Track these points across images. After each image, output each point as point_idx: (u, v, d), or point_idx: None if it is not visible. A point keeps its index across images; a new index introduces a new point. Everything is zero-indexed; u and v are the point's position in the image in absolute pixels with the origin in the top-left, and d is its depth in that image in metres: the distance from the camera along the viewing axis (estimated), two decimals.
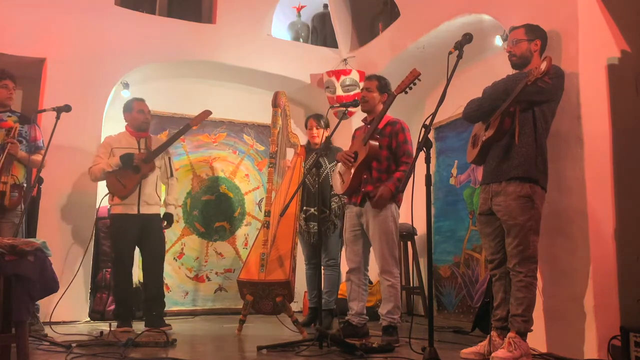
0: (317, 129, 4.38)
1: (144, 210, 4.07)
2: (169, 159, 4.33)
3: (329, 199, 4.23)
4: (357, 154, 3.51)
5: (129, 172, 4.04)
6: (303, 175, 4.23)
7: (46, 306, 3.99)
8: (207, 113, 4.33)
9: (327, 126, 4.43)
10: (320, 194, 3.96)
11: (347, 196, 3.68)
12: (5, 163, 3.57)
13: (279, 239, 3.93)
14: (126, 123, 4.27)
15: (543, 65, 2.56)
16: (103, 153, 4.11)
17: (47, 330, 3.63)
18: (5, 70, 3.82)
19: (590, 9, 3.14)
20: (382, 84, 3.62)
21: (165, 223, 4.24)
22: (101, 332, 3.51)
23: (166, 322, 4.17)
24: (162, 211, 4.26)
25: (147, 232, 4.10)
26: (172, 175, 4.33)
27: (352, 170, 3.50)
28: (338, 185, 3.66)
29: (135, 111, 4.21)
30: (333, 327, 4.00)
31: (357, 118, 5.22)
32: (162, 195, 4.30)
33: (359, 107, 3.84)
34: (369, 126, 3.59)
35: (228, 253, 5.54)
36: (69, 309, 4.12)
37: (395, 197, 3.45)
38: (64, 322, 3.98)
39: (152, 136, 4.39)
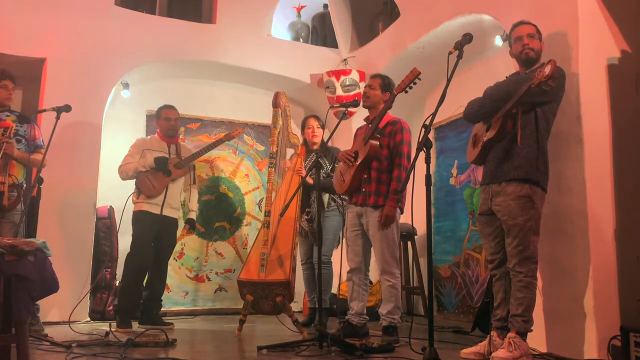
0: (318, 128, 4.40)
1: (166, 212, 4.22)
2: (193, 167, 4.48)
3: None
4: (358, 153, 3.51)
5: (159, 175, 4.20)
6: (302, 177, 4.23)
7: (63, 306, 4.05)
8: (240, 131, 4.70)
9: (323, 127, 4.45)
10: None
11: (347, 196, 3.68)
12: (1, 163, 3.56)
13: (279, 239, 3.92)
14: (157, 128, 4.43)
15: (547, 69, 2.53)
16: (135, 153, 4.26)
17: (65, 330, 3.66)
18: (5, 70, 3.81)
19: (590, 9, 3.14)
20: (385, 82, 3.61)
21: (188, 227, 4.46)
22: (106, 333, 3.50)
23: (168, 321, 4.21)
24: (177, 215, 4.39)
25: (163, 234, 4.23)
26: (194, 182, 4.53)
27: (353, 170, 3.50)
28: (339, 184, 3.66)
29: (162, 119, 4.36)
30: (328, 326, 3.99)
31: (357, 118, 5.23)
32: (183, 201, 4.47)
33: (359, 107, 3.84)
34: (370, 125, 3.58)
35: (228, 253, 5.54)
36: (69, 309, 4.12)
37: (399, 201, 3.46)
38: (64, 322, 3.97)
39: (181, 143, 4.54)
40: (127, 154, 4.29)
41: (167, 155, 4.27)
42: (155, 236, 4.19)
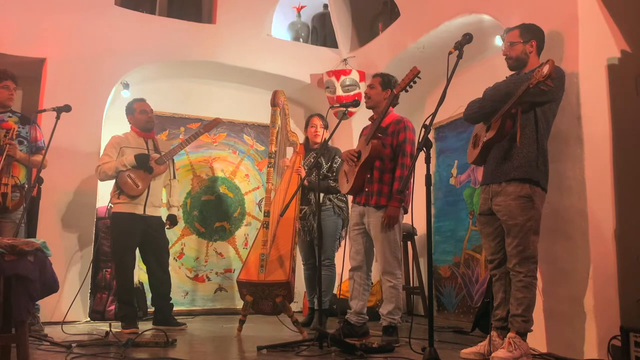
0: (321, 127, 4.40)
1: (149, 212, 4.11)
2: (172, 161, 4.36)
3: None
4: (361, 153, 3.50)
5: (141, 172, 4.07)
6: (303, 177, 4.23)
7: (63, 306, 4.10)
8: (218, 121, 4.45)
9: (326, 127, 4.45)
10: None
11: (351, 195, 3.68)
12: (4, 165, 3.57)
13: (279, 239, 3.92)
14: (130, 124, 4.29)
15: (545, 69, 2.54)
16: (112, 152, 4.12)
17: (66, 330, 3.68)
18: (6, 70, 3.81)
19: (590, 9, 3.14)
20: (385, 80, 3.59)
21: (169, 223, 4.29)
22: (106, 333, 3.50)
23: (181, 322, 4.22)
24: (162, 212, 4.29)
25: (151, 233, 4.13)
26: (174, 177, 4.40)
27: (355, 170, 3.50)
28: (343, 184, 3.66)
29: (138, 112, 4.24)
30: (328, 326, 3.99)
31: (357, 118, 5.24)
32: (163, 197, 4.35)
33: (360, 107, 3.84)
34: None
35: (228, 253, 5.54)
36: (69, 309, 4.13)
37: (402, 201, 3.45)
38: (64, 322, 3.97)
39: (157, 138, 4.43)
40: (104, 153, 4.15)
41: (145, 152, 4.14)
42: (141, 238, 4.08)
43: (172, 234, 5.08)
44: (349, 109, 3.84)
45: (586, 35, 3.09)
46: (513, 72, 3.05)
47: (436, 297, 5.01)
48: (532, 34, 2.99)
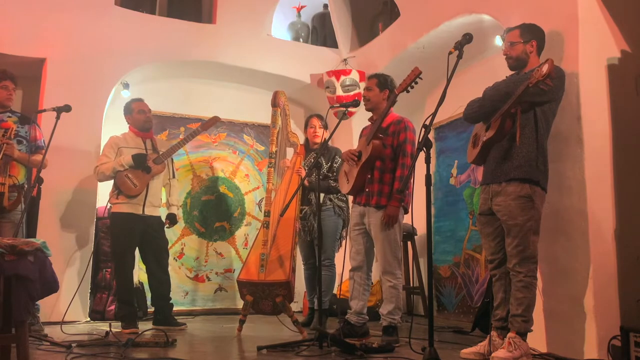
0: (320, 128, 4.40)
1: (148, 211, 4.11)
2: (171, 160, 4.36)
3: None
4: (361, 153, 3.50)
5: (139, 172, 4.07)
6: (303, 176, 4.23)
7: (63, 306, 4.11)
8: (216, 119, 4.43)
9: (326, 127, 4.45)
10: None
11: (352, 196, 3.68)
12: (1, 164, 3.56)
13: (279, 239, 3.92)
14: (129, 124, 4.29)
15: (545, 68, 2.54)
16: (110, 152, 4.12)
17: (65, 330, 3.68)
18: (5, 71, 3.81)
19: (590, 9, 3.14)
20: (381, 81, 3.59)
21: (168, 222, 4.28)
22: (106, 333, 3.50)
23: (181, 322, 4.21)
24: (161, 211, 4.28)
25: (150, 233, 4.13)
26: (173, 176, 4.40)
27: (356, 170, 3.50)
28: (344, 184, 3.66)
29: (136, 112, 4.23)
30: (328, 326, 3.99)
31: (357, 118, 5.24)
32: (162, 197, 4.35)
33: (359, 108, 3.83)
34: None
35: (228, 253, 5.54)
36: (69, 309, 4.12)
37: (402, 201, 3.45)
38: (65, 322, 3.97)
39: (156, 137, 4.43)
40: (102, 153, 4.16)
41: (143, 151, 4.13)
42: (140, 238, 4.08)
43: (172, 234, 5.07)
44: (349, 109, 3.84)
45: (586, 35, 3.09)
46: (513, 72, 3.05)
47: (436, 297, 5.01)
48: (532, 34, 2.99)
